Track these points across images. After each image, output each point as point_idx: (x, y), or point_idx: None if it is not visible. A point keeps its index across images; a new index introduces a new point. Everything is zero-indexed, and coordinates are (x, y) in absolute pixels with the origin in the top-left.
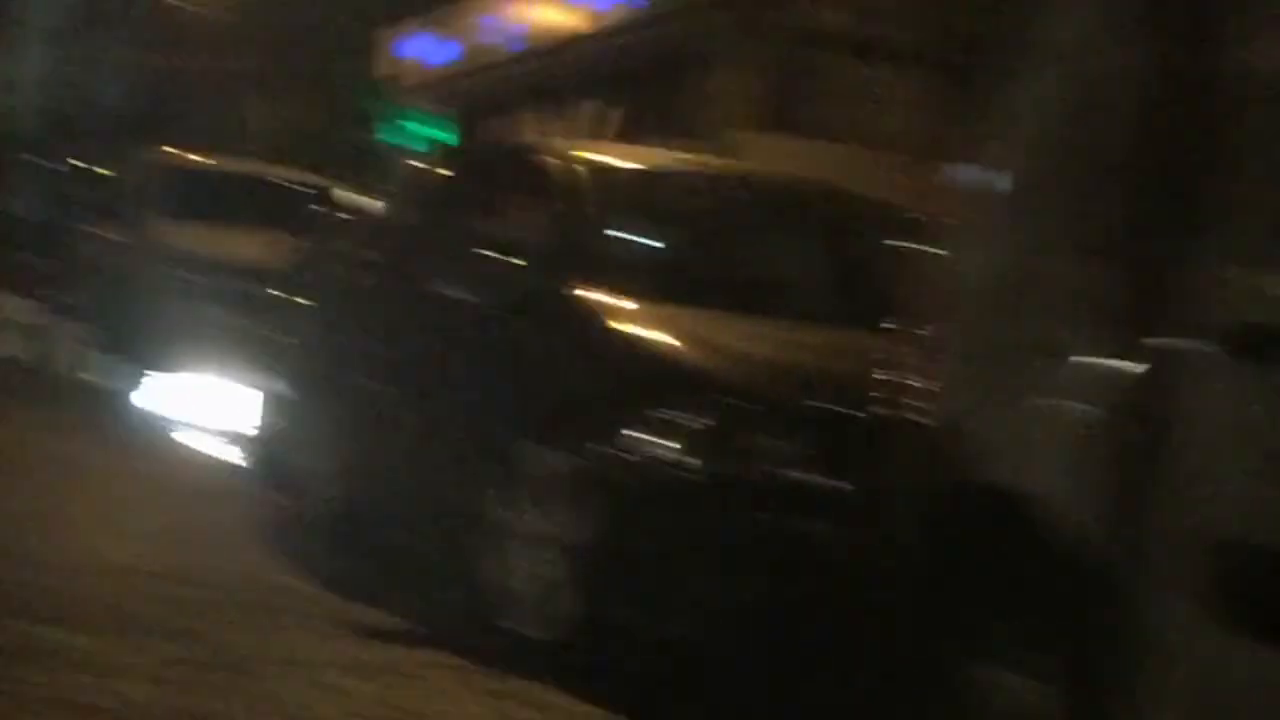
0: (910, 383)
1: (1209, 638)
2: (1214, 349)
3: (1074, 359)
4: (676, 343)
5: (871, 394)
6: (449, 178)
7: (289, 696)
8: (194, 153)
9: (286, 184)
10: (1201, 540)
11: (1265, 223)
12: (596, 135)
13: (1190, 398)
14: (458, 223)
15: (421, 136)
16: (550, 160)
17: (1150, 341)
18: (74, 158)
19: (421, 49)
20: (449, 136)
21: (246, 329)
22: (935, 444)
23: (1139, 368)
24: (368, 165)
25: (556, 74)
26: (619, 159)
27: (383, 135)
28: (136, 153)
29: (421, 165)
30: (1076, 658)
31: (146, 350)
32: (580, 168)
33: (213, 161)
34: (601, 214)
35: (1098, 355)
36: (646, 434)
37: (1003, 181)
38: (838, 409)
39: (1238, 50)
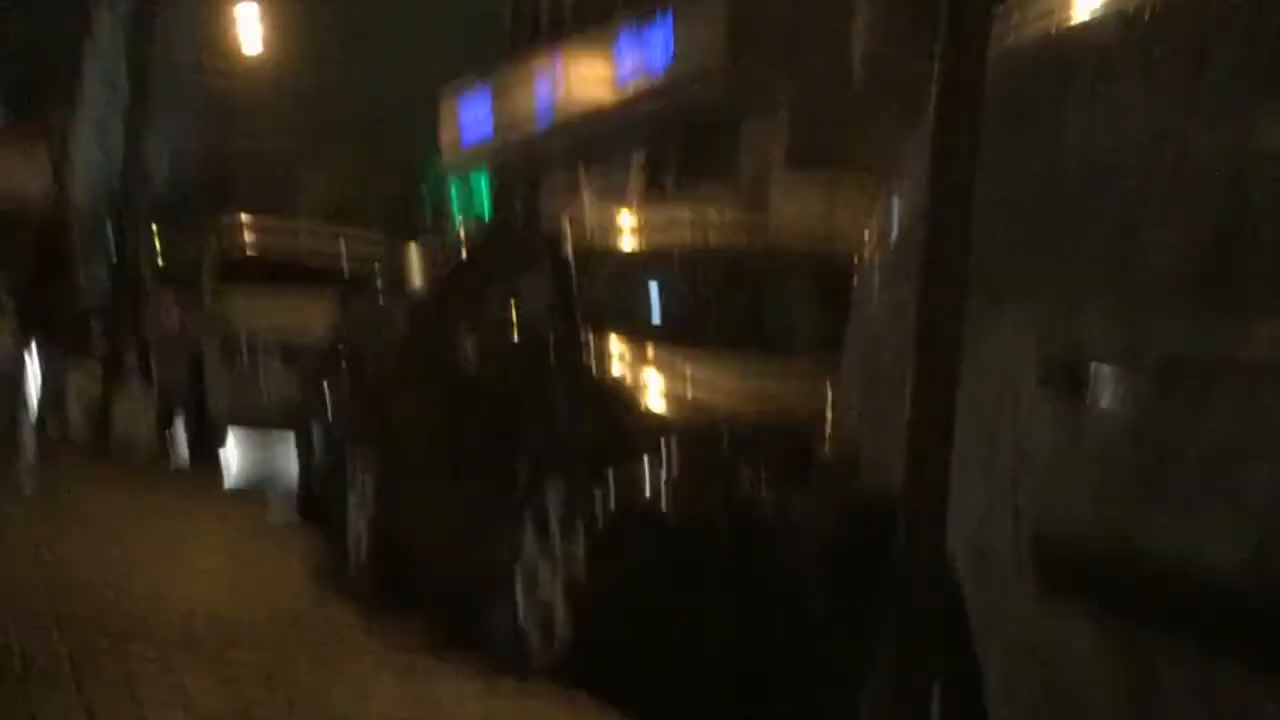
0: (833, 413)
1: (1047, 631)
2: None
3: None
4: (658, 395)
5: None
6: (476, 246)
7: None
8: (254, 222)
9: (342, 251)
10: (1039, 544)
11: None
12: (635, 191)
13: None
14: (478, 291)
15: (476, 198)
16: (552, 233)
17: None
18: (144, 228)
19: (473, 114)
20: (494, 191)
21: (302, 386)
22: (847, 469)
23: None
24: (422, 228)
25: (598, 136)
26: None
27: (438, 198)
28: (200, 224)
29: (455, 234)
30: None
31: (210, 408)
32: (579, 239)
33: (271, 230)
34: (599, 280)
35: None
36: (634, 475)
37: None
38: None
39: None
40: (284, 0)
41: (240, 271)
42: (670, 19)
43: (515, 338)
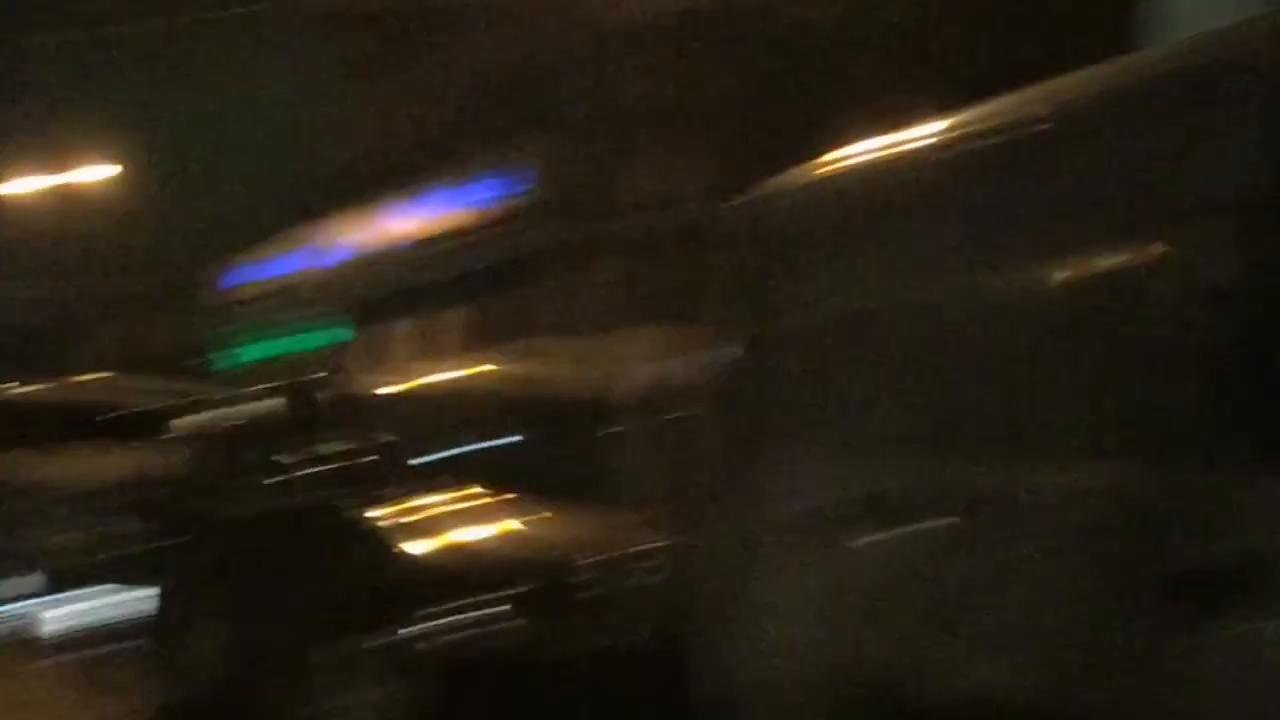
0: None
1: None
2: None
3: None
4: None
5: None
6: (275, 397)
7: None
8: (39, 380)
9: (133, 406)
10: None
11: None
12: (448, 337)
13: None
14: (255, 443)
15: (273, 350)
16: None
17: None
18: None
19: (296, 261)
20: (338, 336)
21: (102, 541)
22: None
23: None
24: (216, 383)
25: (421, 276)
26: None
27: (230, 353)
28: None
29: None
30: None
31: (14, 571)
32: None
33: (59, 388)
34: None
35: None
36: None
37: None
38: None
39: None
40: (82, 141)
41: (21, 426)
42: (496, 170)
43: (300, 488)
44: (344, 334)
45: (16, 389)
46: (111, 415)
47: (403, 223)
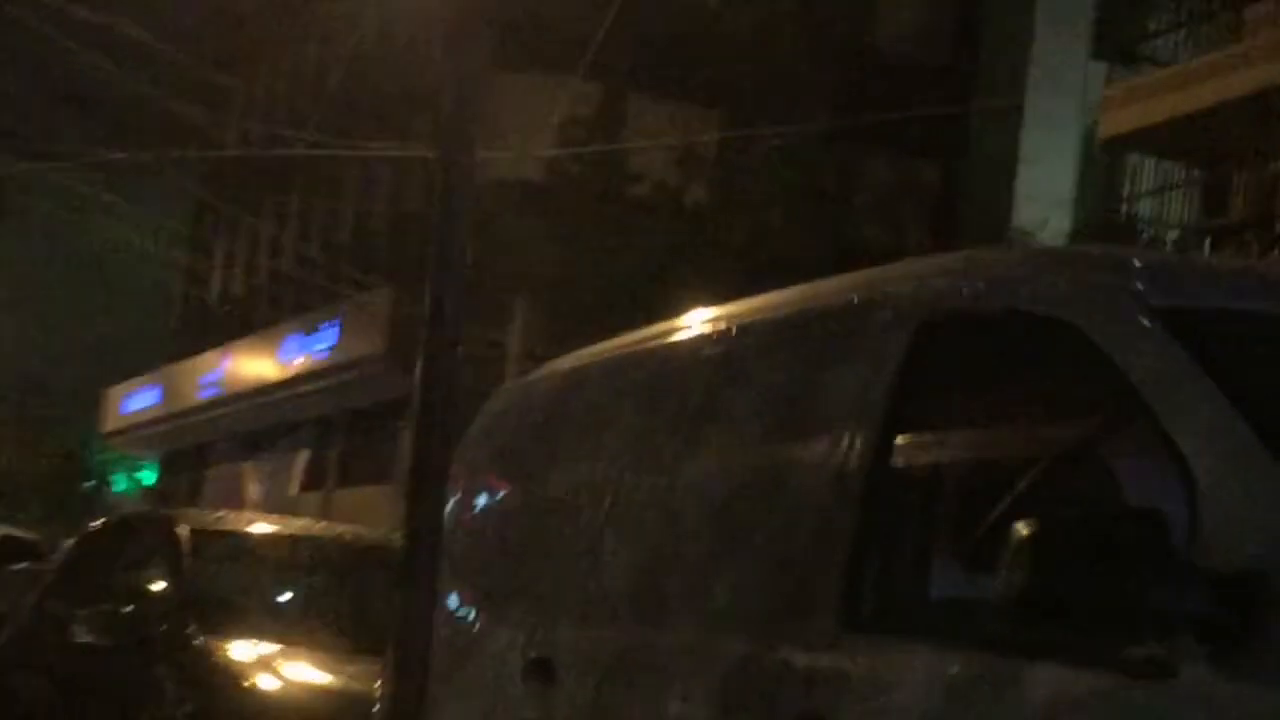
0: None
1: None
2: None
3: None
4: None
5: None
6: (96, 535)
7: None
8: None
9: None
10: None
11: None
12: (287, 478)
13: None
14: (97, 575)
15: (132, 481)
16: (163, 527)
17: None
18: None
19: (137, 403)
20: (153, 478)
21: None
22: None
23: None
24: (82, 511)
25: (248, 421)
26: (215, 526)
27: (97, 482)
28: None
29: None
30: None
31: None
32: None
33: None
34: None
35: None
36: None
37: None
38: None
39: None
40: None
41: None
42: (337, 324)
43: (129, 623)
44: (153, 477)
45: None
46: None
47: (236, 367)
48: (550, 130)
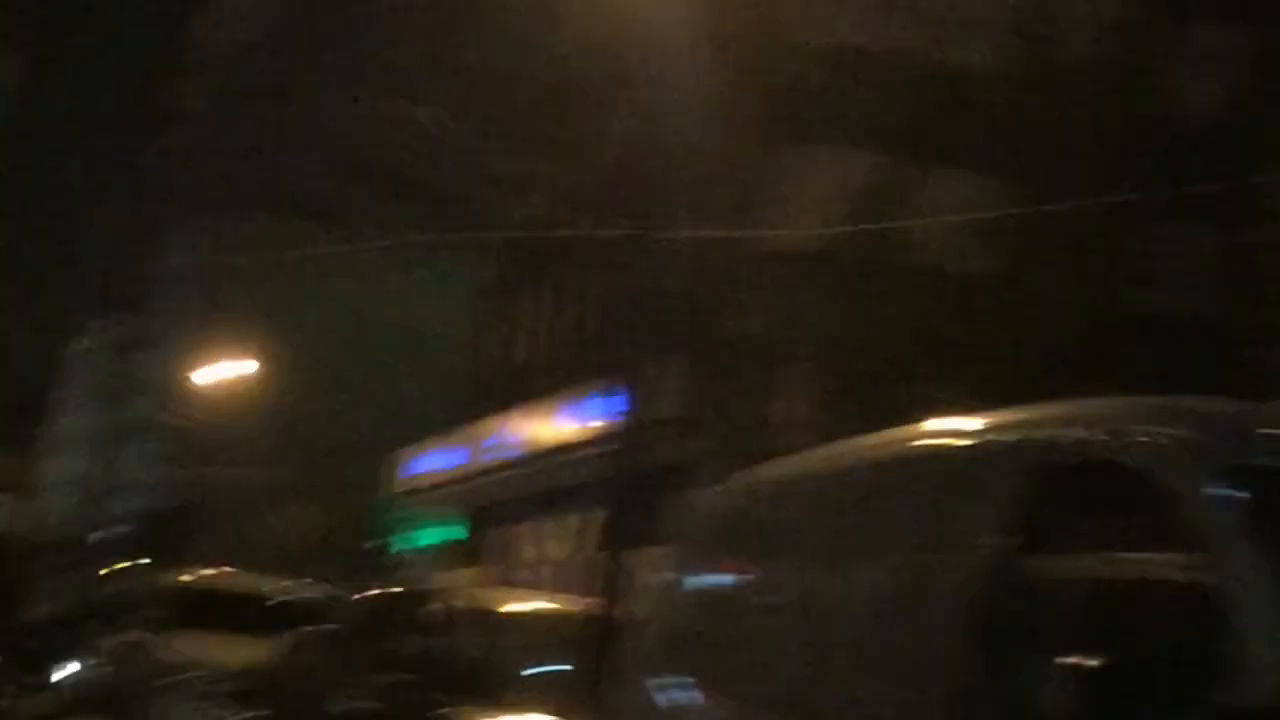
0: None
1: None
2: None
3: None
4: None
5: None
6: (366, 604)
7: None
8: (193, 571)
9: (277, 596)
10: None
11: None
12: (582, 540)
13: None
14: (362, 644)
15: (434, 536)
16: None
17: None
18: (97, 565)
19: (434, 462)
20: (459, 535)
21: None
22: None
23: None
24: (377, 570)
25: (549, 482)
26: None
27: (395, 542)
28: (144, 571)
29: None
30: None
31: None
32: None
33: (211, 578)
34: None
35: None
36: None
37: None
38: None
39: None
40: (256, 358)
41: (187, 611)
42: (629, 390)
43: (383, 693)
44: (459, 533)
45: (193, 577)
46: (271, 604)
47: (527, 431)
48: (827, 200)
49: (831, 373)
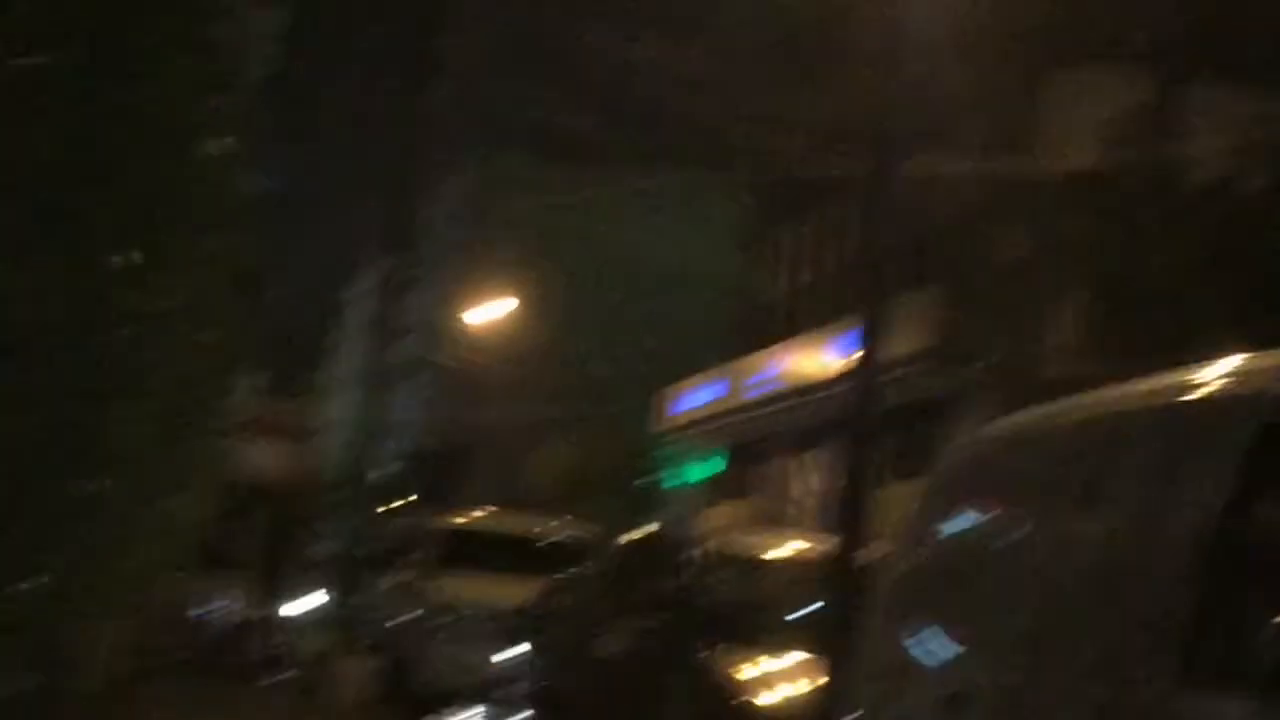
0: None
1: None
2: None
3: None
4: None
5: None
6: (627, 550)
7: None
8: (464, 512)
9: (543, 537)
10: None
11: None
12: (838, 476)
13: None
14: (622, 588)
15: (696, 473)
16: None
17: None
18: (374, 504)
19: (697, 399)
20: (719, 468)
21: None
22: None
23: None
24: (644, 508)
25: (800, 417)
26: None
27: (660, 479)
28: (417, 512)
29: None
30: None
31: (425, 679)
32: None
33: (482, 519)
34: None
35: None
36: None
37: None
38: None
39: None
40: (523, 299)
41: (449, 557)
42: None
43: (646, 635)
44: (719, 468)
45: (463, 519)
46: (540, 545)
47: (788, 366)
48: (1100, 124)
49: (1102, 301)
